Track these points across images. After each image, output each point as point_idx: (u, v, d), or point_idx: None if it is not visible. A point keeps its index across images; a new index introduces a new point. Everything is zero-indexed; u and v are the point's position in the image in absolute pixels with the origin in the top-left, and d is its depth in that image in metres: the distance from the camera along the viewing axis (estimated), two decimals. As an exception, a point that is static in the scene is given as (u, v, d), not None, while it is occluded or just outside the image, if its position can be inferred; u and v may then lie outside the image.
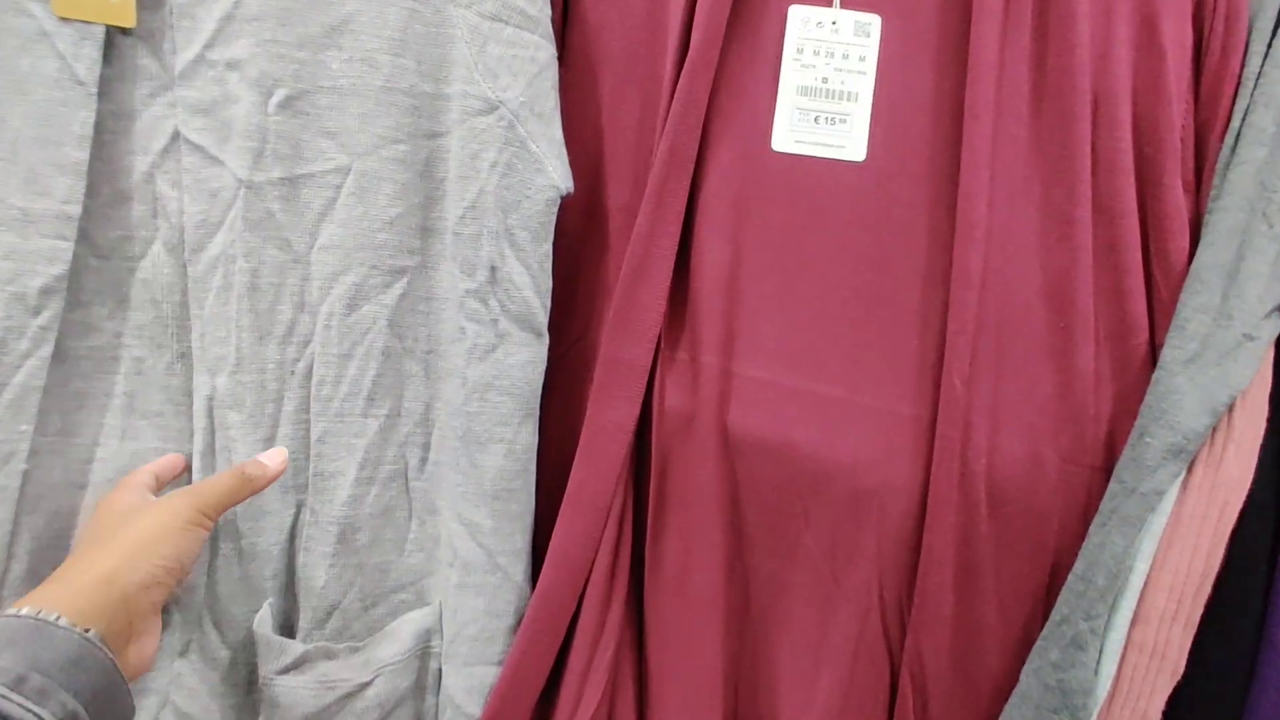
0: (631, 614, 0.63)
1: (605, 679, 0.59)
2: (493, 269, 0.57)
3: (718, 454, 0.60)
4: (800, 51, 0.61)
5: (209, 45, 0.57)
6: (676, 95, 0.58)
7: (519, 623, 0.60)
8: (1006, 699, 0.59)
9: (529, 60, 0.57)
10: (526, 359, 0.58)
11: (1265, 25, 0.58)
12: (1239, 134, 0.58)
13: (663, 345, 0.61)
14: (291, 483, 0.58)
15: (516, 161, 0.57)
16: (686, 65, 0.59)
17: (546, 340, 0.59)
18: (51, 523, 0.57)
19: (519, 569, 0.61)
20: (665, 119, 0.59)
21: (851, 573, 0.59)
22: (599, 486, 0.59)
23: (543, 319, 0.58)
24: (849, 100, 0.61)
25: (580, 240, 0.64)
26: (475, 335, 0.57)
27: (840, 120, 0.61)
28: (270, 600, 0.59)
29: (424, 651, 0.61)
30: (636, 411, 0.59)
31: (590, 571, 0.59)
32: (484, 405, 0.58)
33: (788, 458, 0.59)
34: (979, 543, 0.58)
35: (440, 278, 0.59)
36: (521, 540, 0.61)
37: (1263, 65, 0.57)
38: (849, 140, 0.61)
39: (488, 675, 0.60)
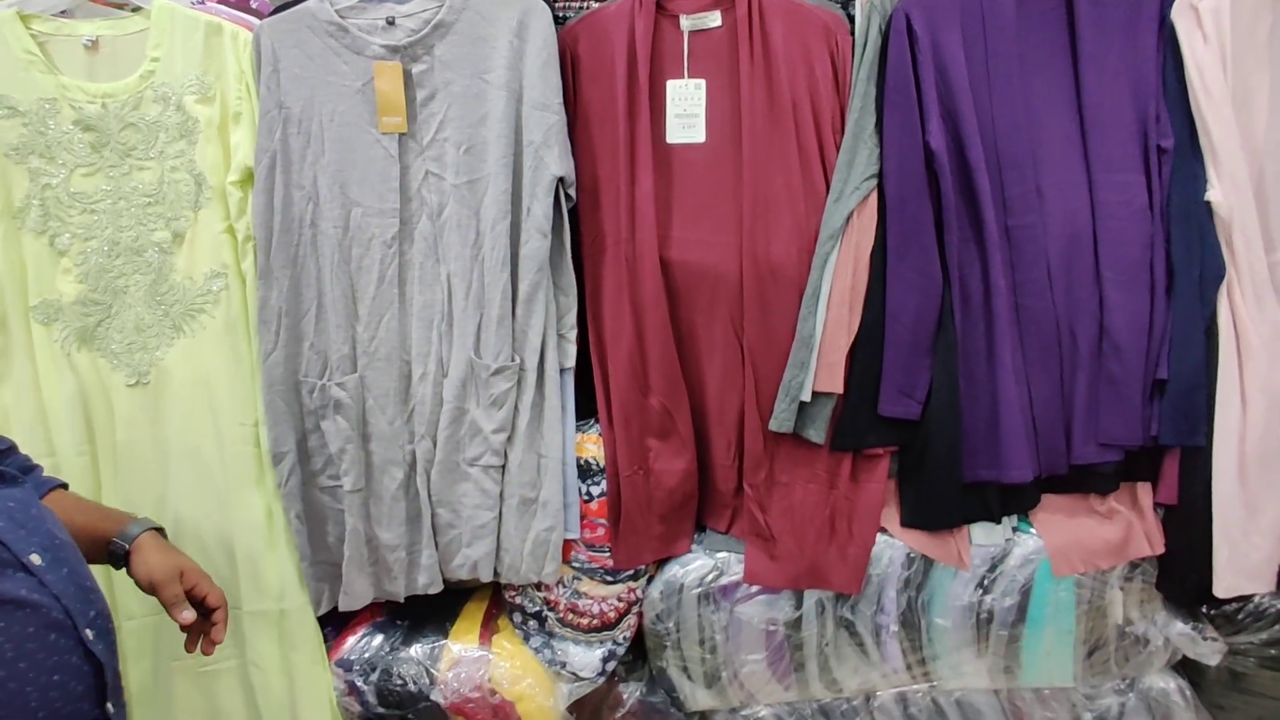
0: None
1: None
2: (529, 209, 1.42)
3: (661, 270, 1.44)
4: (674, 100, 1.46)
5: (436, 132, 1.44)
6: (622, 125, 1.43)
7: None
8: (789, 354, 1.42)
9: (544, 122, 1.40)
10: (540, 245, 1.41)
11: (855, 62, 1.40)
12: (852, 108, 1.40)
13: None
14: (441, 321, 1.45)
15: (538, 165, 1.41)
16: (627, 112, 1.43)
17: (549, 238, 1.41)
18: (393, 355, 1.45)
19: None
20: (622, 134, 1.44)
21: (718, 309, 1.44)
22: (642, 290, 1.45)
23: (547, 228, 1.41)
24: (696, 117, 1.45)
25: (591, 190, 1.48)
26: (523, 236, 1.42)
27: (693, 126, 1.45)
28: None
29: None
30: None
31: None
32: (521, 262, 1.42)
33: (688, 265, 1.44)
34: (767, 290, 1.42)
35: (519, 213, 1.44)
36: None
37: (854, 78, 1.39)
38: (697, 134, 1.45)
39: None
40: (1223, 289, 1.38)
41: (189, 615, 1.08)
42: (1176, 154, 1.39)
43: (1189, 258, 1.38)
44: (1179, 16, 1.38)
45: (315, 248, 1.44)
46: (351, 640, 1.48)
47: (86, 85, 1.41)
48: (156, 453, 1.42)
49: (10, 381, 1.40)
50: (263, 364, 1.42)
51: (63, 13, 1.44)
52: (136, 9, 1.45)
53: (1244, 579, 1.39)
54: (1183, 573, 1.43)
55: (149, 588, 1.10)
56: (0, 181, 1.39)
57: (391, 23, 1.43)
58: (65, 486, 1.15)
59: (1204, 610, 1.48)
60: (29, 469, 1.11)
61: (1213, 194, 1.38)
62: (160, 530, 1.16)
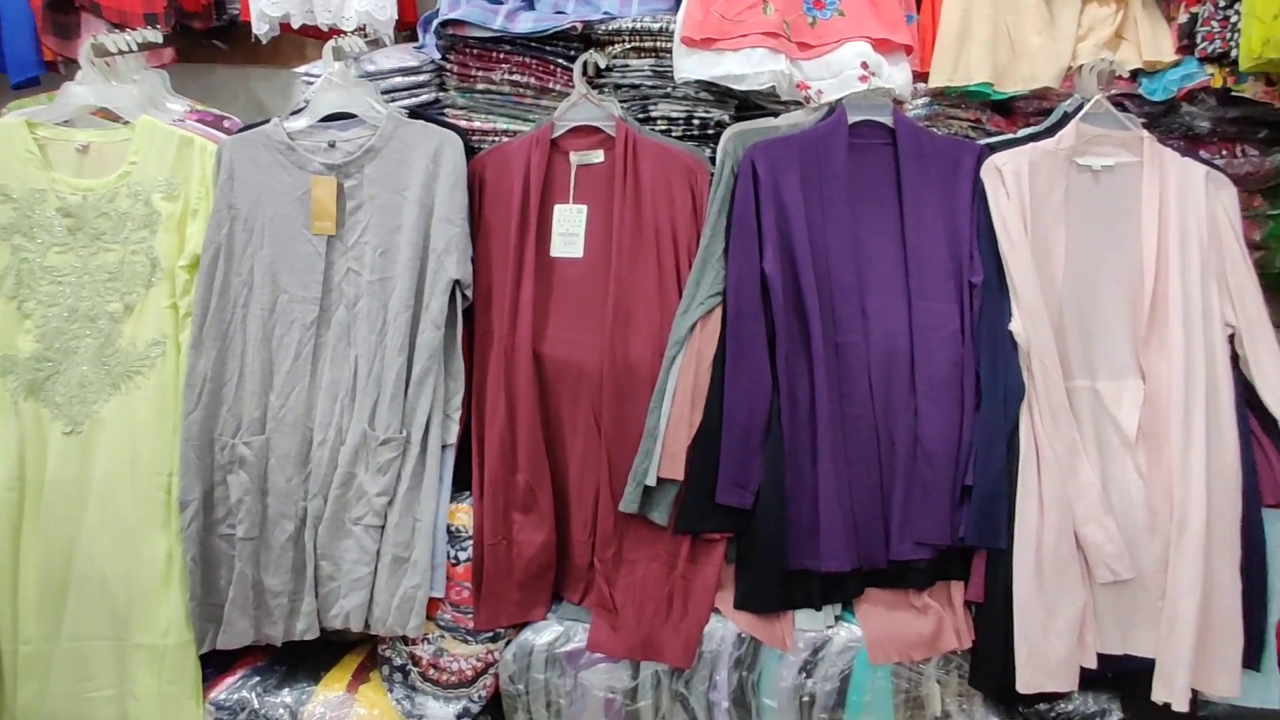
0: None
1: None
2: (427, 304, 1.65)
3: (535, 363, 1.65)
4: (559, 220, 1.71)
5: (359, 236, 1.69)
6: (514, 239, 1.68)
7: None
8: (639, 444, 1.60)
9: (447, 233, 1.66)
10: (433, 335, 1.63)
11: (710, 197, 1.65)
12: (704, 235, 1.63)
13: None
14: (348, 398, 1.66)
15: (439, 268, 1.66)
16: (518, 230, 1.68)
17: (442, 330, 1.64)
18: (299, 422, 1.66)
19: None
20: (513, 247, 1.68)
21: (582, 400, 1.64)
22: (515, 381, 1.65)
23: (441, 321, 1.63)
24: (577, 236, 1.70)
25: (485, 292, 1.72)
26: (420, 327, 1.64)
27: (574, 244, 1.69)
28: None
29: None
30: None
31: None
32: (416, 350, 1.65)
33: (558, 360, 1.65)
34: (623, 386, 1.62)
35: (419, 307, 1.68)
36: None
37: (708, 210, 1.63)
38: (576, 250, 1.69)
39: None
40: (1024, 407, 1.55)
41: None
42: (986, 289, 1.60)
43: (994, 378, 1.56)
44: (986, 175, 1.63)
45: (244, 325, 1.67)
46: (229, 680, 1.62)
47: (73, 180, 1.69)
48: (79, 491, 1.61)
49: (-36, 423, 1.63)
50: (183, 421, 1.63)
51: (65, 121, 1.76)
52: (126, 123, 1.76)
53: (1044, 677, 1.49)
54: (991, 668, 1.53)
55: None
56: (-15, 254, 1.66)
57: (333, 145, 1.71)
58: None
59: (1019, 709, 1.57)
60: None
61: (1014, 325, 1.57)
62: None
